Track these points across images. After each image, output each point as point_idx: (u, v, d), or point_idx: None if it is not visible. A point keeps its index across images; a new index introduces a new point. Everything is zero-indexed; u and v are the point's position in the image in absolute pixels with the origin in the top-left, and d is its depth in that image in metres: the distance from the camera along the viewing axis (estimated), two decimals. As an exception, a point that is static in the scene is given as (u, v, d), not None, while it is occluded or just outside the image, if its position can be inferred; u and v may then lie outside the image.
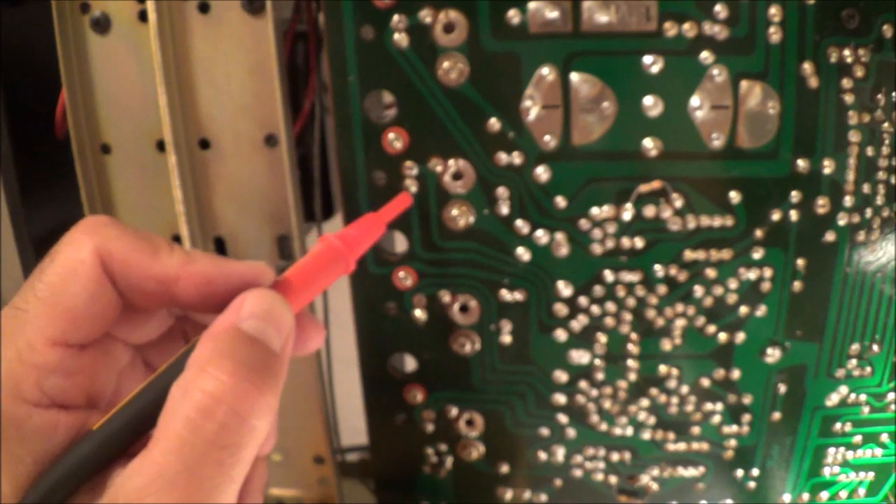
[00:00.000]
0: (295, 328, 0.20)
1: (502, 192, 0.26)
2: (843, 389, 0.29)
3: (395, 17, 0.25)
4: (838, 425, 0.29)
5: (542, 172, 0.26)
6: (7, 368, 0.18)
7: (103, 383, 0.20)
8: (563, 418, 0.29)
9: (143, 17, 0.28)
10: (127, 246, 0.19)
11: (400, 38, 0.25)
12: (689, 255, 0.27)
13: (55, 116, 0.30)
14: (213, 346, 0.18)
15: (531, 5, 0.24)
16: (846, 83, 0.25)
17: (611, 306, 0.27)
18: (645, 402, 0.29)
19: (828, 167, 0.25)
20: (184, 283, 0.20)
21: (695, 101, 0.25)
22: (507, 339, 0.28)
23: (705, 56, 0.24)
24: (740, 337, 0.28)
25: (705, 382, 0.28)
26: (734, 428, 0.29)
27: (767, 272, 0.27)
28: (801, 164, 0.25)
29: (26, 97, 0.31)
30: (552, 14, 0.24)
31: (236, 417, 0.17)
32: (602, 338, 0.28)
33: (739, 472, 0.30)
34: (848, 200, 0.26)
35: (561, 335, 0.28)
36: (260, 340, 0.19)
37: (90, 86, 0.29)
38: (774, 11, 0.24)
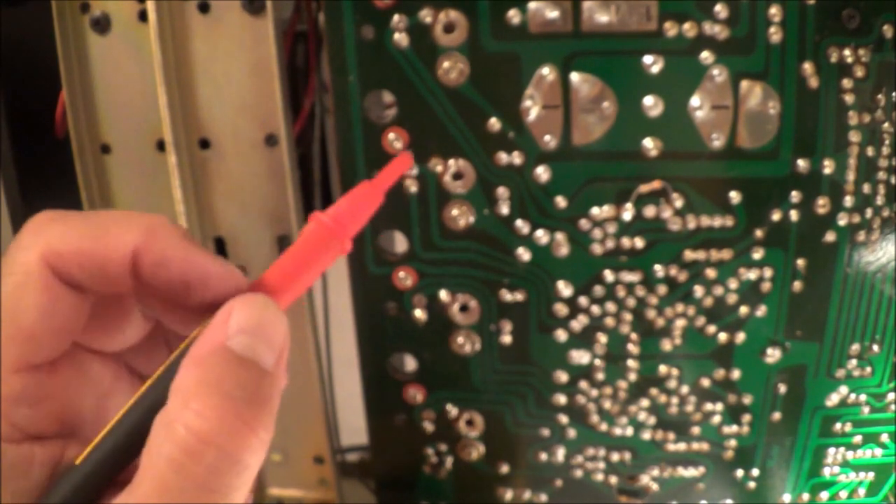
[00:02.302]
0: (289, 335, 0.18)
1: (502, 192, 0.26)
2: (844, 389, 0.29)
3: (396, 17, 0.25)
4: (838, 425, 0.29)
5: (542, 172, 0.26)
6: None
7: (80, 406, 0.19)
8: (563, 418, 0.29)
9: (143, 16, 0.28)
10: (75, 240, 0.17)
11: (400, 38, 0.25)
12: (689, 255, 0.27)
13: (55, 116, 0.30)
14: (198, 373, 0.16)
15: (531, 5, 0.24)
16: (846, 83, 0.25)
17: (611, 306, 0.27)
18: (645, 403, 0.29)
19: (828, 167, 0.25)
20: (145, 263, 0.18)
21: (695, 101, 0.25)
22: (507, 339, 0.28)
23: (706, 56, 0.24)
24: (740, 337, 0.28)
25: (705, 382, 0.28)
26: (734, 428, 0.29)
27: (767, 272, 0.27)
28: (802, 164, 0.25)
29: (26, 97, 0.31)
30: (552, 14, 0.24)
31: (227, 459, 0.16)
32: (602, 338, 0.28)
33: (739, 473, 0.30)
34: (848, 200, 0.26)
35: (561, 335, 0.28)
36: (250, 361, 0.17)
37: (90, 86, 0.29)
38: (775, 11, 0.24)
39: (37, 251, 0.17)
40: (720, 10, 0.24)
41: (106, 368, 0.20)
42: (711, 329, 0.28)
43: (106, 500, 0.17)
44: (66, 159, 0.30)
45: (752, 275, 0.27)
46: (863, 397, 0.29)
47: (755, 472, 0.30)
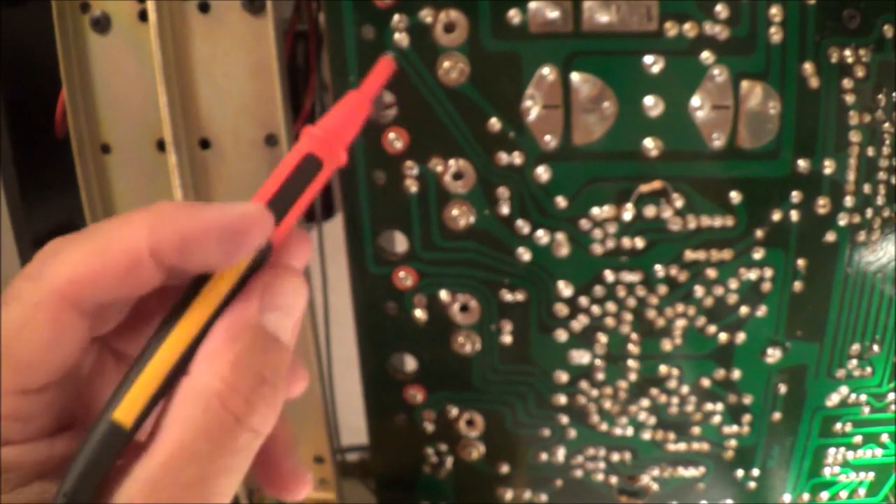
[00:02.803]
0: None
1: (503, 192, 0.26)
2: (844, 389, 0.29)
3: (396, 17, 0.25)
4: (839, 425, 0.29)
5: (542, 172, 0.26)
6: None
7: (73, 405, 0.19)
8: (563, 418, 0.29)
9: (143, 16, 0.28)
10: (85, 265, 0.17)
11: (400, 38, 0.25)
12: (689, 255, 0.27)
13: (55, 116, 0.30)
14: (234, 349, 0.17)
15: (532, 5, 0.24)
16: (847, 83, 0.25)
17: (611, 306, 0.27)
18: (645, 403, 0.29)
19: (828, 167, 0.25)
20: (166, 251, 0.18)
21: (695, 101, 0.25)
22: (507, 339, 0.28)
23: (706, 56, 0.24)
24: (741, 337, 0.28)
25: (706, 383, 0.28)
26: (734, 428, 0.29)
27: (768, 272, 0.27)
28: (802, 164, 0.25)
29: (26, 97, 0.31)
30: (553, 14, 0.24)
31: (247, 429, 0.17)
32: (602, 338, 0.28)
33: (740, 473, 0.30)
34: (848, 200, 0.26)
35: (561, 335, 0.28)
36: (278, 338, 0.18)
37: (90, 85, 0.29)
38: (775, 11, 0.24)
39: (48, 282, 0.17)
40: (721, 10, 0.24)
41: (89, 353, 0.20)
42: (712, 329, 0.28)
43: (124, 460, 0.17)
44: (66, 159, 0.30)
45: (753, 275, 0.27)
46: (863, 397, 0.29)
47: (755, 472, 0.30)
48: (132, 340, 0.20)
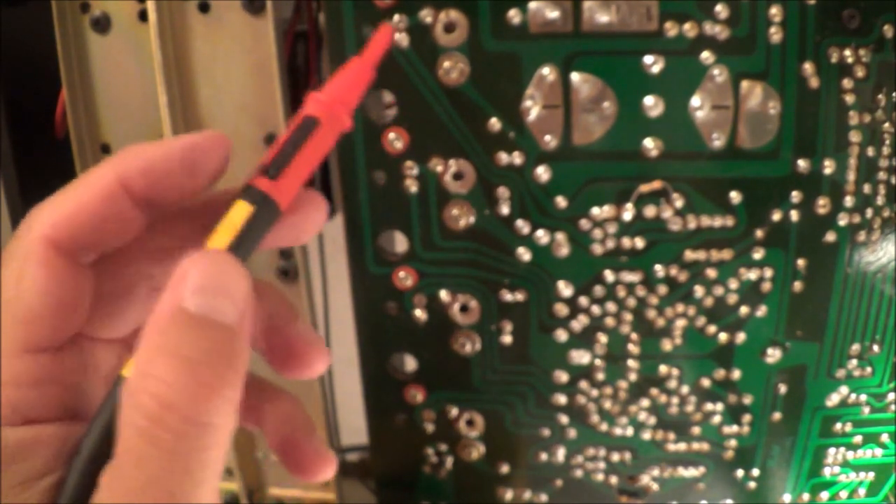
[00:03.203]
0: (253, 292, 0.18)
1: (503, 192, 0.26)
2: (844, 389, 0.29)
3: (396, 17, 0.25)
4: (838, 425, 0.29)
5: (542, 172, 0.26)
6: None
7: (85, 391, 0.19)
8: (563, 418, 0.29)
9: (143, 16, 0.28)
10: (60, 206, 0.18)
11: (400, 38, 0.25)
12: (689, 255, 0.27)
13: (55, 116, 0.30)
14: (157, 340, 0.16)
15: (532, 5, 0.24)
16: (847, 83, 0.25)
17: (611, 306, 0.27)
18: (645, 403, 0.29)
19: (828, 167, 0.25)
20: (135, 179, 0.18)
21: (695, 101, 0.25)
22: (507, 339, 0.28)
23: (706, 56, 0.24)
24: (741, 337, 0.28)
25: (706, 383, 0.28)
26: (734, 428, 0.29)
27: (768, 272, 0.27)
28: (802, 164, 0.25)
29: (26, 97, 0.31)
30: (553, 14, 0.24)
31: (193, 425, 0.16)
32: (602, 338, 0.28)
33: (740, 473, 0.30)
34: (848, 200, 0.26)
35: (561, 335, 0.28)
36: (208, 319, 0.17)
37: (90, 85, 0.29)
38: (775, 11, 0.24)
39: (34, 233, 0.18)
40: (721, 10, 0.24)
41: (111, 354, 0.20)
42: (712, 329, 0.28)
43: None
44: (67, 159, 0.30)
45: (753, 275, 0.27)
46: (863, 397, 0.29)
47: (755, 472, 0.30)
48: None
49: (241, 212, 0.19)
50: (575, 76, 0.25)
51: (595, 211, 0.26)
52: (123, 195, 0.18)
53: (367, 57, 0.22)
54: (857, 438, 0.29)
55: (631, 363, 0.28)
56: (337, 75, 0.21)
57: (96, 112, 0.30)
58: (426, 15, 0.25)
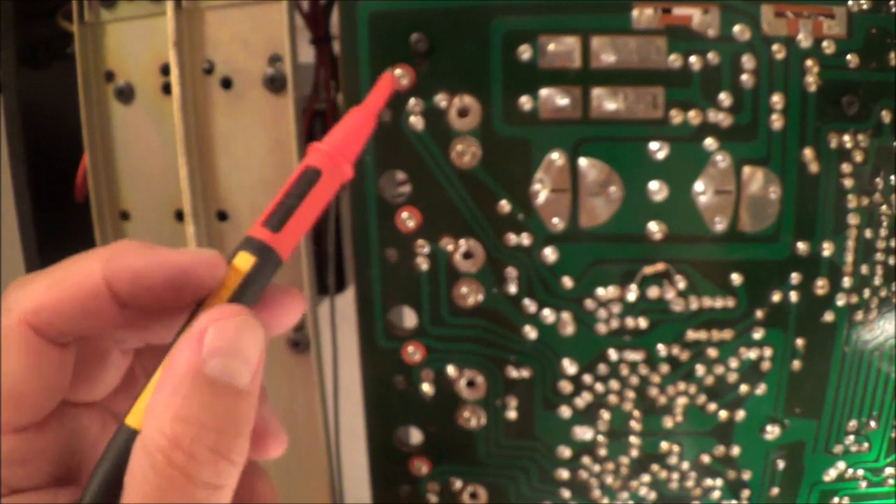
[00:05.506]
0: (266, 347, 0.18)
1: (511, 271, 0.27)
2: (841, 465, 0.29)
3: (412, 101, 0.25)
4: (836, 500, 0.29)
5: (549, 253, 0.26)
6: None
7: (71, 459, 0.19)
8: (565, 493, 0.29)
9: (166, 89, 0.29)
10: (44, 291, 0.18)
11: (415, 121, 0.26)
12: (691, 335, 0.27)
13: (76, 180, 0.31)
14: (175, 402, 0.17)
15: (542, 92, 0.25)
16: (846, 167, 0.25)
17: (614, 384, 0.28)
18: (646, 478, 0.29)
19: (827, 249, 0.26)
20: (121, 282, 0.18)
21: (699, 186, 0.25)
22: (512, 414, 0.29)
23: (709, 142, 0.25)
24: (740, 414, 0.28)
25: (705, 459, 0.29)
26: (734, 503, 0.29)
27: (767, 352, 0.27)
28: (801, 246, 0.26)
29: (48, 158, 0.31)
30: (563, 101, 0.25)
31: (203, 488, 0.16)
32: (605, 415, 0.28)
33: (739, 548, 0.30)
34: (846, 281, 0.26)
35: (565, 412, 0.28)
36: (223, 383, 0.17)
37: (112, 153, 0.30)
38: (777, 99, 0.25)
39: (14, 316, 0.18)
40: (724, 98, 0.25)
41: (93, 418, 0.20)
42: (712, 407, 0.28)
43: None
44: (86, 223, 0.30)
45: (753, 354, 0.27)
46: (860, 472, 0.29)
47: (755, 547, 0.30)
48: (129, 400, 0.20)
49: (243, 263, 0.19)
50: (583, 161, 0.26)
51: (600, 291, 0.27)
52: (107, 295, 0.18)
53: (368, 106, 0.22)
54: (855, 514, 0.30)
55: (633, 439, 0.28)
56: (338, 125, 0.21)
57: (117, 179, 0.30)
58: (441, 99, 0.25)
